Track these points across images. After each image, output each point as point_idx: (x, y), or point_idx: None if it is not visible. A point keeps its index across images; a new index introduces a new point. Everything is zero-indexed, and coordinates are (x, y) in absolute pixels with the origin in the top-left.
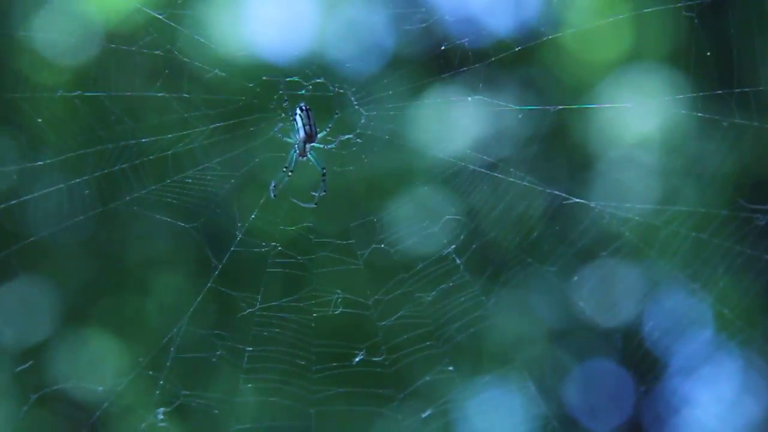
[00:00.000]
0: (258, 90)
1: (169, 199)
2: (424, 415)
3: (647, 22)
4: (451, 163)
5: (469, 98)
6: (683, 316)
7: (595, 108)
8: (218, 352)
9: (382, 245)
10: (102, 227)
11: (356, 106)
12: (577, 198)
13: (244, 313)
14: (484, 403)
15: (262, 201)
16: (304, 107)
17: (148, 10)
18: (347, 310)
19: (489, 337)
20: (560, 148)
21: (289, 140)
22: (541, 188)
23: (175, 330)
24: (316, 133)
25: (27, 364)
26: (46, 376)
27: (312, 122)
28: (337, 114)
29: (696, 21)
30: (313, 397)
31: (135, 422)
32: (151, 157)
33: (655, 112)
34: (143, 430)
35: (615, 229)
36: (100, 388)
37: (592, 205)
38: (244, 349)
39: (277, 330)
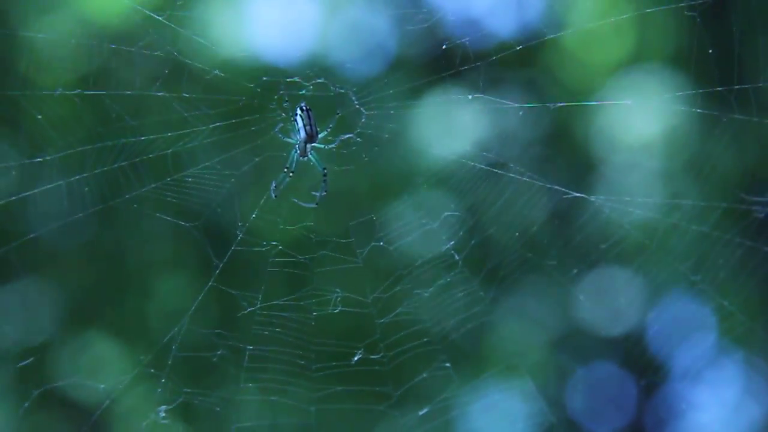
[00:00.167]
0: (258, 90)
1: (169, 198)
2: (421, 413)
3: (649, 23)
4: (451, 161)
5: (470, 96)
6: (685, 317)
7: (596, 108)
8: (219, 351)
9: (381, 243)
10: (102, 227)
11: (357, 106)
12: (576, 192)
13: (245, 312)
14: (483, 401)
15: (262, 201)
16: (304, 107)
17: (148, 12)
18: (347, 309)
19: (488, 335)
20: (562, 150)
21: (289, 140)
22: (540, 183)
23: (176, 329)
24: (317, 133)
25: (28, 360)
26: (47, 374)
27: (313, 122)
28: (338, 114)
29: (698, 20)
30: (314, 395)
31: (137, 420)
32: (151, 156)
33: (656, 110)
34: (145, 428)
35: (615, 222)
36: (102, 386)
37: (592, 199)
38: (245, 348)
39: (277, 329)
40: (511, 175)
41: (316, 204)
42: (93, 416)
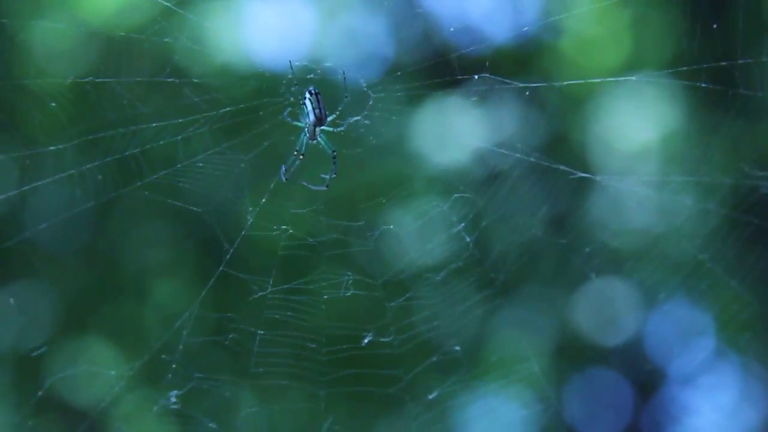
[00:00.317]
0: (267, 75)
1: (180, 184)
2: (430, 396)
3: (647, 26)
4: (457, 146)
5: (476, 77)
6: (685, 319)
7: (597, 106)
8: (230, 336)
9: (391, 226)
10: (114, 214)
11: (365, 88)
12: (582, 173)
13: (256, 296)
14: (489, 394)
15: (272, 185)
16: (313, 91)
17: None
18: (357, 292)
19: (497, 328)
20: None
21: (298, 124)
22: (547, 164)
23: (186, 314)
24: (326, 117)
25: (43, 348)
26: (56, 363)
27: (322, 105)
28: (346, 98)
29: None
30: (323, 379)
31: (148, 406)
32: (161, 142)
33: (659, 87)
34: (156, 413)
35: (622, 202)
36: (113, 372)
37: (597, 179)
38: (255, 333)
39: (288, 313)
40: (517, 155)
41: (326, 187)
42: (103, 403)
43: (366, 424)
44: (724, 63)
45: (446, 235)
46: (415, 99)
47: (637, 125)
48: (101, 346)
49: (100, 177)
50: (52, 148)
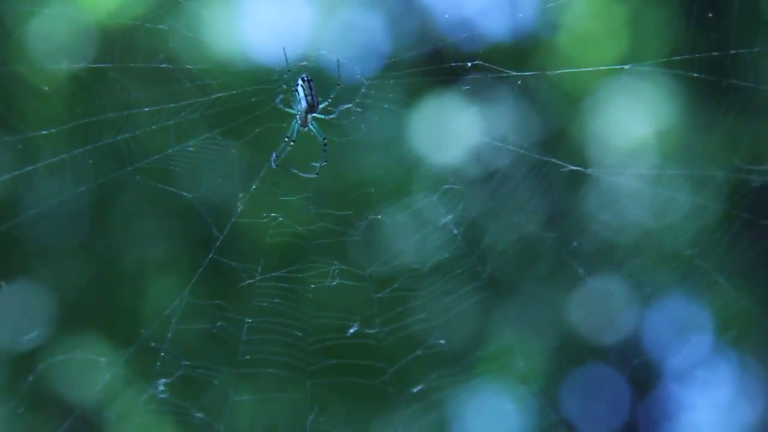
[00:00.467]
0: (261, 66)
1: (172, 169)
2: (414, 390)
3: (643, 24)
4: (451, 139)
5: (469, 64)
6: (680, 316)
7: (594, 101)
8: (219, 323)
9: (380, 216)
10: (102, 201)
11: (359, 76)
12: (573, 165)
13: (244, 284)
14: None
15: (263, 172)
16: (305, 78)
17: None
18: (344, 282)
19: (485, 324)
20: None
21: (290, 111)
22: (537, 156)
23: (176, 302)
24: (318, 104)
25: (34, 334)
26: (45, 353)
27: (314, 93)
28: (338, 85)
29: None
30: (310, 368)
31: (136, 395)
32: (153, 127)
33: (652, 78)
34: (144, 402)
35: (612, 195)
36: (103, 359)
37: (589, 172)
38: (243, 320)
39: (276, 300)
40: (508, 147)
41: (317, 174)
42: (92, 392)
43: (351, 416)
44: (716, 53)
45: (434, 226)
46: (408, 91)
47: (632, 121)
48: (91, 335)
49: (91, 161)
50: (44, 132)
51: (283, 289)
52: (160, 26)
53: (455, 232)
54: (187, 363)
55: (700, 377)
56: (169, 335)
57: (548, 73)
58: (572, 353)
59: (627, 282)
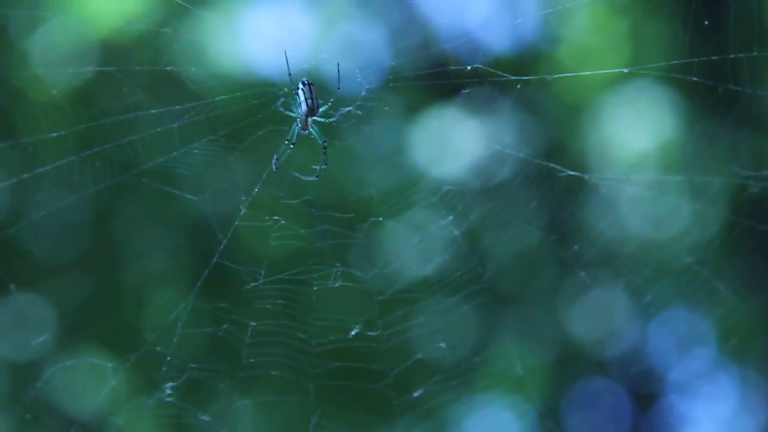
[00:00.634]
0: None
1: (176, 171)
2: (415, 394)
3: (644, 37)
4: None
5: (468, 67)
6: (682, 331)
7: (596, 113)
8: (224, 327)
9: (381, 218)
10: (107, 206)
11: (359, 80)
12: (571, 171)
13: (248, 287)
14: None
15: (264, 175)
16: (306, 81)
17: None
18: (346, 284)
19: (483, 320)
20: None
21: (291, 114)
22: (538, 161)
23: (182, 306)
24: (318, 107)
25: (42, 339)
26: (51, 360)
27: (314, 96)
28: (338, 88)
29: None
30: (312, 371)
31: (143, 398)
32: (158, 129)
33: (650, 82)
34: (151, 406)
35: (611, 201)
36: (110, 364)
37: (587, 177)
38: (247, 324)
39: (280, 303)
40: (508, 151)
41: (317, 177)
42: (98, 396)
43: (353, 419)
44: (715, 57)
45: (435, 228)
46: (409, 98)
47: (633, 132)
48: (97, 340)
49: (98, 164)
50: (54, 134)
51: (287, 291)
52: (164, 29)
53: (456, 233)
54: (194, 366)
55: (702, 390)
56: (175, 339)
57: (547, 77)
58: (573, 364)
59: (628, 292)
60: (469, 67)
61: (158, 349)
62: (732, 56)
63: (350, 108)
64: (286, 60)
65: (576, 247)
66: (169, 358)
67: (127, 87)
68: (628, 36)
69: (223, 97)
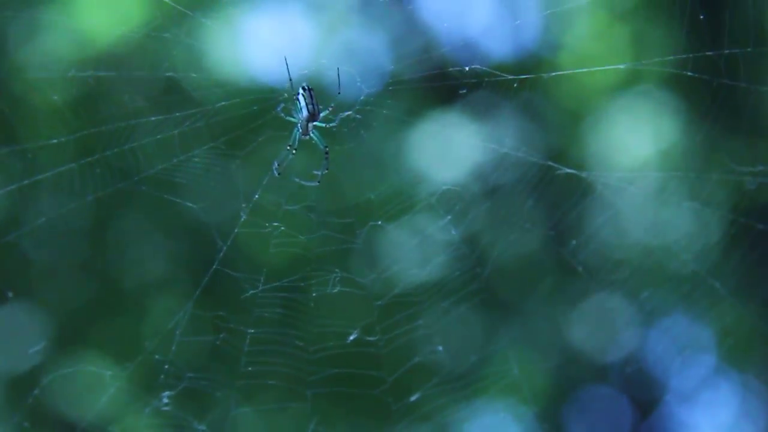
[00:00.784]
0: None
1: (176, 179)
2: (412, 399)
3: (646, 43)
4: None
5: (467, 68)
6: (683, 337)
7: (593, 121)
8: (222, 335)
9: (380, 222)
10: (106, 213)
11: (359, 84)
12: (568, 168)
13: (247, 294)
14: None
15: (265, 181)
16: (306, 87)
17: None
18: (345, 290)
19: (480, 322)
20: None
21: (292, 119)
22: (534, 159)
23: (180, 314)
24: (319, 112)
25: (40, 346)
26: (50, 368)
27: (314, 101)
28: (338, 93)
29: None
30: (310, 378)
31: (141, 407)
32: (159, 137)
33: (648, 76)
34: (148, 415)
35: (608, 199)
36: (108, 372)
37: (584, 175)
38: (246, 331)
39: (278, 310)
40: (504, 150)
41: (318, 182)
42: (97, 405)
43: (351, 426)
44: (710, 53)
45: (433, 230)
46: (409, 102)
47: (634, 137)
48: (95, 348)
49: (98, 171)
50: (54, 141)
51: (285, 298)
52: (165, 34)
53: (453, 233)
54: (192, 375)
55: (703, 397)
56: (173, 348)
57: (544, 75)
58: (573, 369)
59: (629, 298)
60: (467, 68)
61: (156, 357)
62: (727, 52)
63: (350, 112)
64: (287, 65)
65: (574, 242)
66: (167, 366)
67: (128, 94)
68: (629, 42)
69: (224, 103)
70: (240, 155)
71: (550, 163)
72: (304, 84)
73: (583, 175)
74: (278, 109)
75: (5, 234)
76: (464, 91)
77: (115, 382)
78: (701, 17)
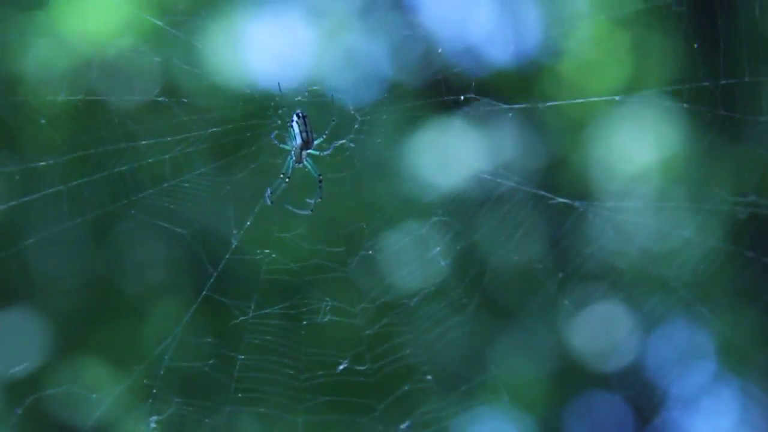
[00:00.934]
0: (255, 97)
1: (165, 204)
2: (403, 426)
3: (647, 50)
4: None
5: (462, 97)
6: (684, 345)
7: (591, 130)
8: (211, 361)
9: (370, 252)
10: (97, 236)
11: (352, 112)
12: (560, 198)
13: (237, 321)
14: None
15: (257, 208)
16: (300, 114)
17: (150, 17)
18: (335, 318)
19: (470, 350)
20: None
21: (285, 147)
22: (526, 188)
23: (169, 339)
24: (313, 140)
25: (22, 365)
26: (37, 386)
27: (309, 129)
28: (333, 121)
29: (684, 14)
30: (301, 406)
31: (127, 431)
32: (150, 160)
33: (644, 110)
34: None
35: (599, 228)
36: (94, 395)
37: (576, 204)
38: (236, 358)
39: (268, 337)
40: (498, 180)
41: (311, 211)
42: (84, 428)
43: None
44: (706, 83)
45: (422, 260)
46: (405, 121)
47: (633, 149)
48: (84, 371)
49: (86, 194)
50: (42, 163)
51: (276, 326)
52: (156, 59)
53: (442, 264)
54: (179, 400)
55: (703, 404)
56: (162, 372)
57: (539, 106)
58: (578, 380)
59: (625, 309)
60: (462, 98)
61: (145, 381)
62: (723, 82)
63: (344, 141)
64: (279, 89)
65: (561, 275)
66: (155, 391)
67: (118, 117)
68: (630, 49)
69: (216, 129)
70: (232, 181)
71: (543, 192)
72: (298, 111)
73: (576, 204)
74: (272, 136)
75: None
76: (463, 111)
77: (102, 405)
78: (699, 23)
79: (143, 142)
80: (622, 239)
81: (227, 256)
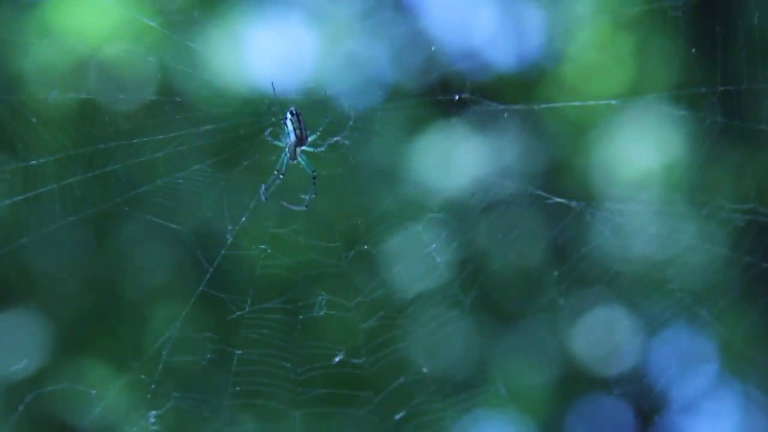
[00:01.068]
0: (251, 96)
1: (160, 201)
2: (397, 417)
3: (649, 54)
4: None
5: (456, 97)
6: (686, 349)
7: (593, 135)
8: (208, 356)
9: (366, 247)
10: (92, 234)
11: (348, 113)
12: (557, 197)
13: (234, 316)
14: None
15: (252, 204)
16: (294, 111)
17: (145, 19)
18: (331, 312)
19: (467, 345)
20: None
21: (279, 144)
22: (522, 187)
23: (167, 334)
24: (307, 137)
25: (22, 363)
26: (36, 384)
27: (303, 126)
28: (327, 118)
29: (681, 19)
30: (298, 399)
31: (127, 427)
32: (143, 159)
33: (643, 116)
34: None
35: (596, 228)
36: (94, 391)
37: (573, 204)
38: (233, 352)
39: (265, 331)
40: (492, 179)
41: (306, 207)
42: (82, 424)
43: None
44: (703, 89)
45: (418, 255)
46: (402, 121)
47: (635, 153)
48: (82, 367)
49: (78, 192)
50: (33, 162)
51: (273, 320)
52: (149, 59)
53: (438, 260)
54: (177, 395)
55: (705, 408)
56: (160, 367)
57: (535, 107)
58: (579, 384)
59: (627, 313)
60: (456, 97)
61: (143, 377)
62: (722, 89)
63: (338, 138)
64: (273, 90)
65: (558, 275)
66: (153, 386)
67: (112, 116)
68: (633, 53)
69: (210, 126)
70: (226, 178)
71: (540, 192)
72: (292, 108)
73: (573, 204)
74: (266, 133)
75: None
76: (458, 118)
77: (100, 402)
78: (699, 29)
79: (135, 141)
80: (624, 243)
81: (223, 252)
